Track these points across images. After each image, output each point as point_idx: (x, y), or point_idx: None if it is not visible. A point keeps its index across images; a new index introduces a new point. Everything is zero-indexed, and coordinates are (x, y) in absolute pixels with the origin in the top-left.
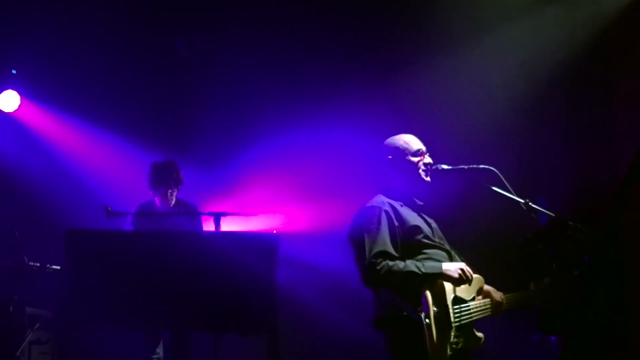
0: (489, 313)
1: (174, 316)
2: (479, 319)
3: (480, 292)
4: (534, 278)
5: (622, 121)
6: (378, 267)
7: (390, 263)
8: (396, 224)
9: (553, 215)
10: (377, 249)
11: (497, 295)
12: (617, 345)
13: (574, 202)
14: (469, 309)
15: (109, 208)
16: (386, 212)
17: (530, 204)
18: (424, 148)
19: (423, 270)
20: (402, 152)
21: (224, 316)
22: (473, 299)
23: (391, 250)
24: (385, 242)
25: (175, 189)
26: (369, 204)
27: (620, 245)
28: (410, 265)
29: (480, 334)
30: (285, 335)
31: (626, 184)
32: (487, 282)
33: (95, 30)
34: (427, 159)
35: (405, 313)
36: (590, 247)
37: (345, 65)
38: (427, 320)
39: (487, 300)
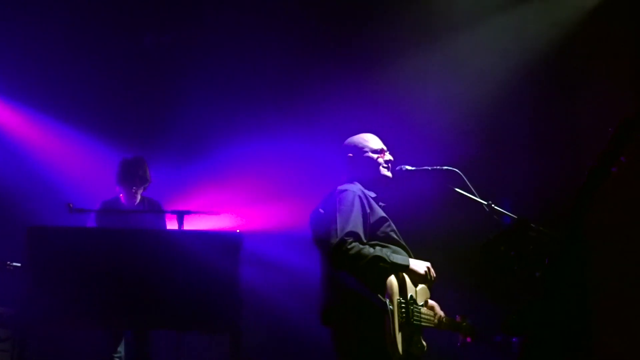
0: (432, 325)
1: (136, 314)
2: (425, 326)
3: (425, 303)
4: (460, 313)
5: (585, 124)
6: (349, 246)
7: (360, 245)
8: (368, 210)
9: (515, 217)
10: (349, 227)
11: (441, 312)
12: (577, 346)
13: (537, 204)
14: (420, 313)
15: (71, 205)
16: (360, 197)
17: (493, 205)
18: (384, 147)
19: (392, 259)
20: (362, 150)
21: (187, 314)
22: (423, 306)
23: (362, 233)
24: (358, 223)
25: (143, 187)
26: (341, 187)
27: (582, 246)
28: (380, 252)
29: (424, 343)
30: (248, 334)
31: (587, 187)
32: (448, 282)
33: (61, 24)
34: (388, 156)
35: (366, 298)
36: (552, 248)
37: (311, 66)
38: (390, 307)
39: (432, 312)
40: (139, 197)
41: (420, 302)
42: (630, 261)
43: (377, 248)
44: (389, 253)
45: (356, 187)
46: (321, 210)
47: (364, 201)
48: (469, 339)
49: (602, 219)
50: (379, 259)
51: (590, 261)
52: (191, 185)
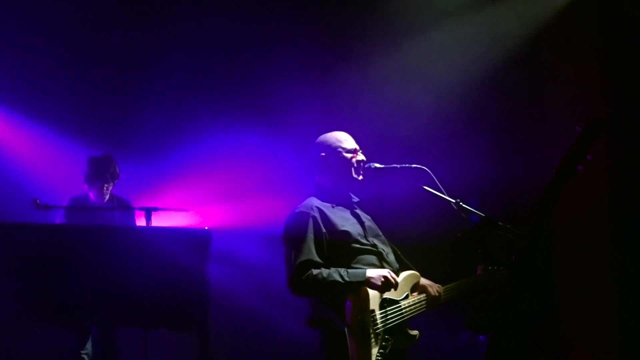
0: (424, 309)
1: (102, 312)
2: (412, 316)
3: (415, 288)
4: (482, 263)
5: (552, 123)
6: (303, 277)
7: (315, 272)
8: (324, 230)
9: (483, 215)
10: (301, 257)
11: (434, 289)
12: (543, 345)
13: (505, 202)
14: (400, 309)
15: (38, 201)
16: (314, 218)
17: (461, 203)
18: (357, 146)
19: (346, 278)
20: (335, 150)
21: (155, 312)
22: (406, 297)
23: (316, 258)
24: (310, 250)
25: (112, 184)
26: (298, 209)
27: (548, 244)
28: (334, 274)
29: (414, 332)
30: (217, 333)
31: (554, 185)
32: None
33: (28, 21)
34: (360, 157)
35: (330, 320)
36: (519, 247)
37: (278, 62)
38: (346, 329)
39: (423, 296)
40: (108, 194)
41: (401, 295)
42: (593, 260)
43: (332, 270)
44: (344, 273)
45: (311, 204)
46: (283, 233)
47: (318, 221)
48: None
49: (567, 217)
50: (333, 282)
51: (556, 259)
52: (159, 182)
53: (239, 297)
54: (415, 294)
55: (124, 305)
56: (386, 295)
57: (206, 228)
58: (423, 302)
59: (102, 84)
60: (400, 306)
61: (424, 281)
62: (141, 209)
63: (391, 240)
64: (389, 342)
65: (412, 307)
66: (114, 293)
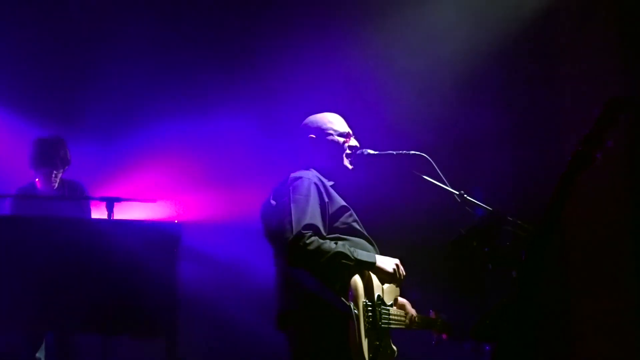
0: (403, 325)
1: (57, 316)
2: (395, 328)
3: (395, 302)
4: (433, 307)
5: (568, 105)
6: (307, 241)
7: (320, 240)
8: (326, 199)
9: (490, 209)
10: (307, 220)
11: (412, 310)
12: (554, 354)
13: (514, 194)
14: (389, 314)
15: None
16: (316, 185)
17: (465, 195)
18: (350, 130)
19: (356, 255)
20: (326, 132)
21: (116, 316)
22: (392, 306)
23: (321, 226)
24: (315, 215)
25: (61, 170)
26: (294, 175)
27: (560, 241)
28: (342, 247)
29: (394, 347)
30: (186, 338)
31: (569, 175)
32: (415, 282)
33: None
34: (353, 142)
35: (328, 301)
36: (529, 244)
37: (258, 32)
38: (355, 311)
39: (402, 312)
40: (57, 181)
41: (388, 301)
42: (610, 257)
43: (340, 243)
44: (352, 249)
45: (312, 174)
46: (273, 202)
47: (321, 189)
48: (444, 336)
49: (582, 211)
50: (342, 255)
51: (569, 256)
52: (121, 169)
53: (211, 298)
54: (395, 307)
55: (82, 309)
56: (380, 293)
57: (176, 221)
58: (403, 318)
59: (52, 54)
60: (389, 311)
61: (402, 299)
62: (102, 199)
63: (383, 238)
64: (382, 344)
65: (397, 318)
66: (69, 295)
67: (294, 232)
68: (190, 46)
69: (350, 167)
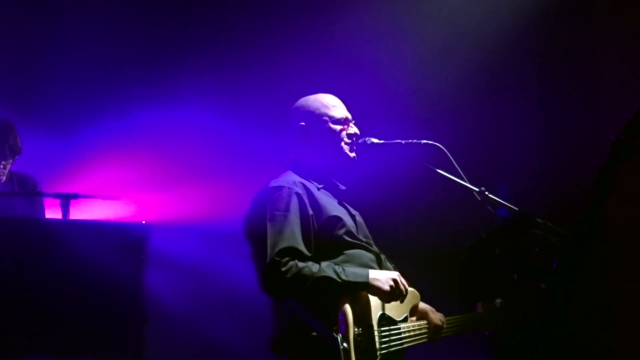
0: (425, 339)
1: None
2: (410, 346)
3: (414, 311)
4: (482, 298)
5: (606, 90)
6: (284, 269)
7: (300, 264)
8: (310, 212)
9: (516, 209)
10: (283, 243)
11: (437, 317)
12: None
13: (544, 193)
14: (399, 333)
15: None
16: (298, 195)
17: (486, 193)
18: (349, 115)
19: (344, 277)
20: (320, 118)
21: (73, 334)
22: (405, 320)
23: (302, 247)
24: (294, 235)
25: (10, 160)
26: (274, 183)
27: (600, 248)
28: (327, 269)
29: None
30: (154, 355)
31: (609, 169)
32: (426, 298)
33: None
34: (353, 129)
35: (314, 333)
36: (562, 251)
37: (236, 5)
38: (344, 345)
39: (423, 322)
40: (6, 173)
41: (400, 315)
42: None
43: (324, 264)
44: (340, 269)
45: (292, 179)
46: (250, 216)
47: (304, 200)
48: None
49: (625, 211)
50: (326, 280)
51: (609, 267)
52: (79, 162)
53: (184, 310)
54: (413, 318)
55: (31, 325)
56: (385, 311)
57: (142, 222)
58: (424, 330)
59: (3, 33)
60: (399, 329)
61: (423, 305)
62: (56, 195)
63: (389, 243)
64: None
65: (412, 333)
66: (15, 309)
67: (269, 258)
68: (157, 31)
69: (351, 154)
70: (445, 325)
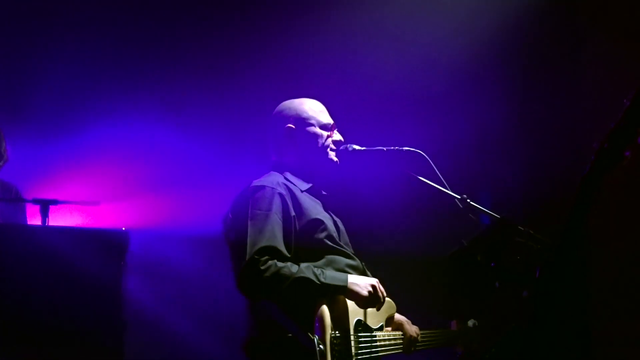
0: (399, 350)
1: None
2: (384, 355)
3: (390, 322)
4: (458, 314)
5: (590, 95)
6: (262, 267)
7: (279, 264)
8: (292, 213)
9: (498, 216)
10: (262, 242)
11: (412, 329)
12: None
13: (526, 200)
14: (375, 341)
15: None
16: (281, 195)
17: (468, 200)
18: (332, 122)
19: (322, 279)
20: (308, 121)
21: (50, 340)
22: (380, 329)
23: (282, 247)
24: (274, 235)
25: None
26: (257, 182)
27: (583, 255)
28: (306, 270)
29: None
30: None
31: (592, 176)
32: (405, 307)
33: None
34: (337, 136)
35: (290, 334)
36: (545, 258)
37: (218, 9)
38: (320, 347)
39: (398, 333)
40: None
41: (376, 324)
42: None
43: (303, 265)
44: (320, 271)
45: (275, 180)
46: (230, 215)
47: (287, 200)
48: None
49: (610, 218)
50: (304, 280)
51: (596, 275)
52: (58, 167)
53: (164, 318)
54: (389, 328)
55: (7, 333)
56: (361, 317)
57: (122, 228)
58: (399, 341)
59: None
60: (374, 337)
61: (399, 317)
62: (35, 201)
63: (370, 249)
64: None
65: (387, 343)
66: None
67: (249, 256)
68: (137, 39)
69: (335, 159)
70: (420, 338)
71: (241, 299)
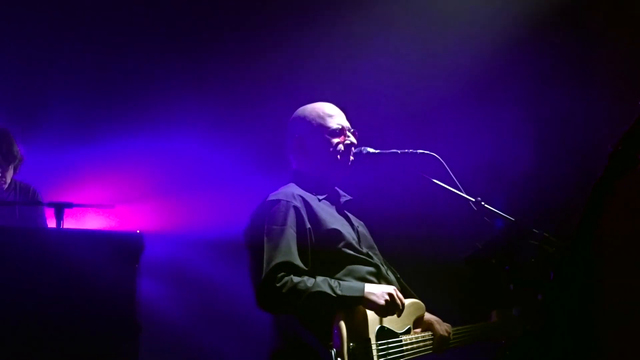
0: (430, 350)
1: None
2: (413, 357)
3: (419, 323)
4: (495, 306)
5: (605, 97)
6: (278, 285)
7: (296, 279)
8: (308, 225)
9: (512, 219)
10: (278, 258)
11: (442, 327)
12: None
13: (541, 202)
14: (400, 346)
15: None
16: (296, 208)
17: (482, 203)
18: (346, 124)
19: (338, 291)
20: (316, 129)
21: (66, 344)
22: (408, 332)
23: (297, 261)
24: (290, 250)
25: (8, 167)
26: (273, 196)
27: (595, 259)
28: (322, 284)
29: None
30: None
31: (606, 180)
32: (431, 308)
33: None
34: (350, 138)
35: (310, 347)
36: (559, 262)
37: (229, 15)
38: (339, 359)
39: (428, 334)
40: (8, 180)
41: (402, 328)
42: None
43: (319, 279)
44: (336, 283)
45: (291, 192)
46: (250, 229)
47: (302, 213)
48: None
49: (622, 223)
50: (320, 295)
51: (606, 278)
52: (74, 171)
53: (179, 323)
54: (418, 330)
55: (22, 336)
56: (385, 323)
57: (137, 231)
58: (429, 342)
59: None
60: (400, 342)
61: (429, 316)
62: (50, 204)
63: (386, 253)
64: None
65: (415, 345)
66: (7, 320)
67: (265, 274)
68: (151, 43)
69: (345, 162)
70: (452, 336)
71: (253, 302)
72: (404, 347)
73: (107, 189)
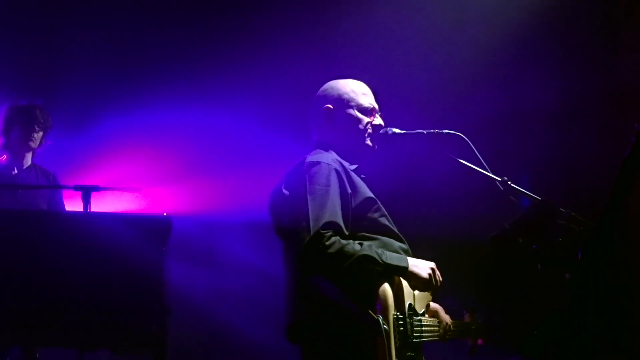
0: (437, 337)
1: (23, 326)
2: (427, 340)
3: (427, 308)
4: (467, 308)
5: (631, 76)
6: (327, 243)
7: (343, 241)
8: (349, 190)
9: (539, 198)
10: (326, 217)
11: (446, 317)
12: None
13: (568, 182)
14: (421, 325)
15: None
16: (337, 171)
17: (509, 183)
18: (376, 105)
19: (385, 259)
20: (347, 103)
21: (93, 327)
22: (423, 314)
23: (342, 224)
24: (336, 211)
25: (43, 134)
26: (311, 158)
27: (623, 239)
28: (369, 249)
29: None
30: (176, 351)
31: (632, 159)
32: (448, 286)
33: None
34: (378, 120)
35: (348, 314)
36: (587, 241)
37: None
38: (385, 326)
39: (435, 320)
40: (35, 144)
41: (420, 309)
42: None
43: (366, 244)
44: (380, 251)
45: (331, 157)
46: (285, 191)
47: (343, 177)
48: (480, 342)
49: None
50: (368, 259)
51: (633, 259)
52: (100, 154)
53: (207, 305)
54: (427, 315)
55: (52, 319)
56: (412, 301)
57: (164, 214)
58: (436, 328)
59: (25, 31)
60: (421, 321)
61: (434, 304)
62: (77, 188)
63: (413, 232)
64: None
65: (430, 329)
66: (39, 302)
67: (312, 231)
68: (173, 27)
69: (371, 145)
70: (452, 327)
71: (283, 284)
72: (424, 328)
73: (134, 172)
